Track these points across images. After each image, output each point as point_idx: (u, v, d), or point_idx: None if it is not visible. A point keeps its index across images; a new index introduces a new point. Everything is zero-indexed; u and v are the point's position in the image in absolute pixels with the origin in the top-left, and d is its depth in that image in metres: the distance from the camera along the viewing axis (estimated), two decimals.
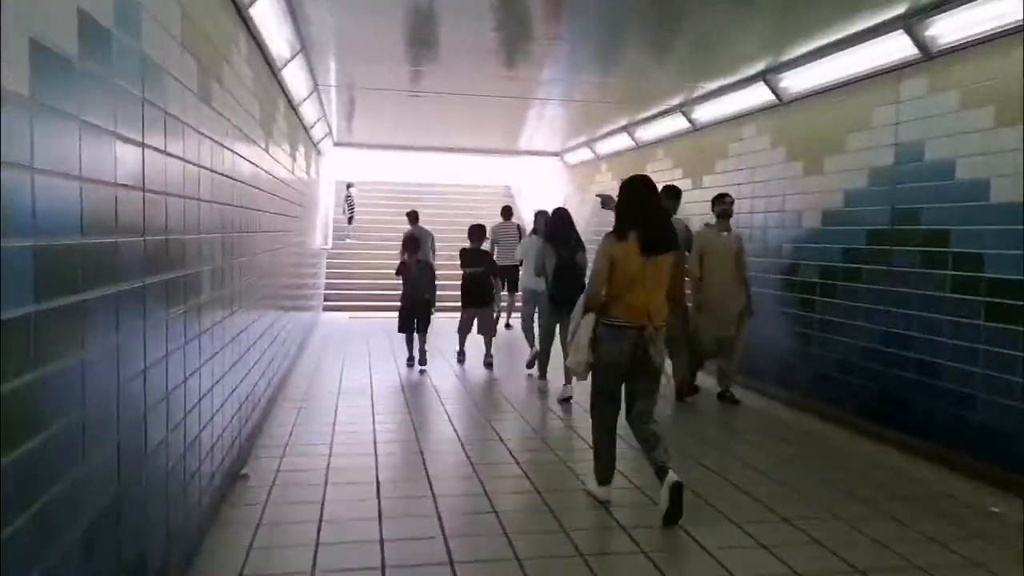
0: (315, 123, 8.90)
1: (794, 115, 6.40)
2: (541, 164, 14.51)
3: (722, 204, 6.28)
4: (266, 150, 5.43)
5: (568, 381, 6.16)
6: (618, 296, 3.60)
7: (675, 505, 3.48)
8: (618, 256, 3.58)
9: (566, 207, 6.90)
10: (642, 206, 3.66)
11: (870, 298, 5.37)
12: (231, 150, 3.90)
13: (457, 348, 7.92)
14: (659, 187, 3.93)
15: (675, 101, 7.89)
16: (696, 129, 8.01)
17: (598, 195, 5.47)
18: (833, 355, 5.78)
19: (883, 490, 4.16)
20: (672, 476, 3.51)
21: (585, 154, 11.56)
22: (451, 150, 12.91)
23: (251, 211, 4.77)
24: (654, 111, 8.46)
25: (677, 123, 8.26)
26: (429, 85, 7.75)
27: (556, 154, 12.90)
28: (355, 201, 15.28)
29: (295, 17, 5.17)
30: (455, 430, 5.36)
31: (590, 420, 3.97)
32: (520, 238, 10.20)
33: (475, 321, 7.66)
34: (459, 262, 7.75)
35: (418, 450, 4.84)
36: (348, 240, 14.96)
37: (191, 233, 3.05)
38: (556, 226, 6.48)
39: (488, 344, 7.66)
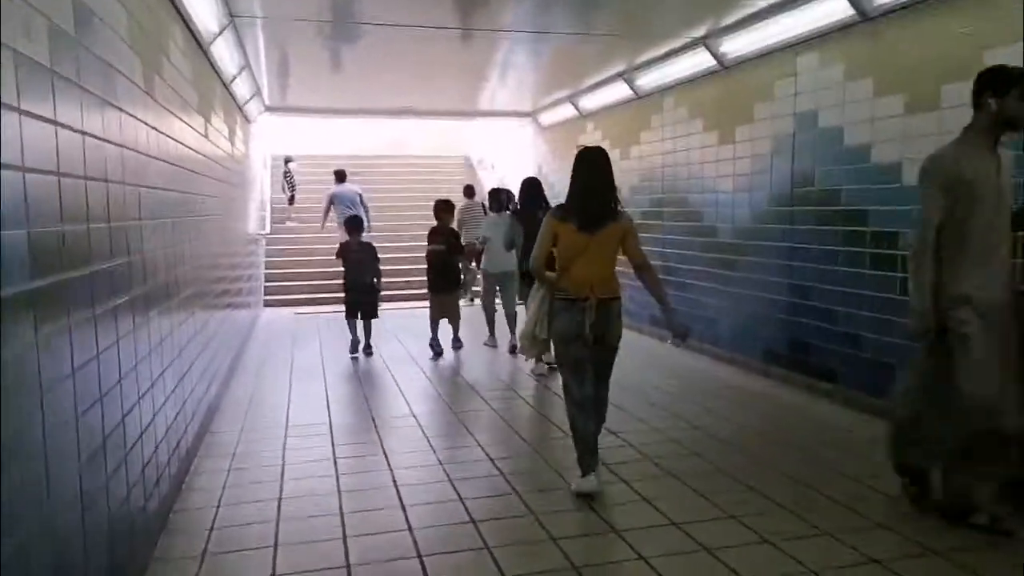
0: (237, 77, 7.03)
1: (897, 30, 4.93)
2: (508, 127, 12.82)
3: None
4: (177, 116, 3.96)
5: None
6: (565, 269, 3.66)
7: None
8: (559, 231, 3.64)
9: (536, 177, 6.62)
10: (580, 182, 3.68)
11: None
12: (128, 114, 2.96)
13: (430, 336, 7.31)
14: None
15: (696, 32, 6.29)
16: (725, 67, 6.43)
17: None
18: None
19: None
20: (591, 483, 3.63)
21: (565, 112, 9.92)
22: (401, 113, 11.07)
23: (164, 191, 3.67)
24: (664, 49, 6.85)
25: (697, 61, 6.66)
26: (369, 16, 5.97)
27: (527, 114, 11.22)
28: (295, 178, 13.29)
29: None
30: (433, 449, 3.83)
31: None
32: (485, 211, 9.86)
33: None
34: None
35: (387, 466, 4.12)
36: (289, 223, 13.03)
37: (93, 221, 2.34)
38: (526, 198, 6.27)
39: (455, 328, 7.40)
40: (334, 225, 10.97)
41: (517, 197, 6.58)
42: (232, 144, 7.41)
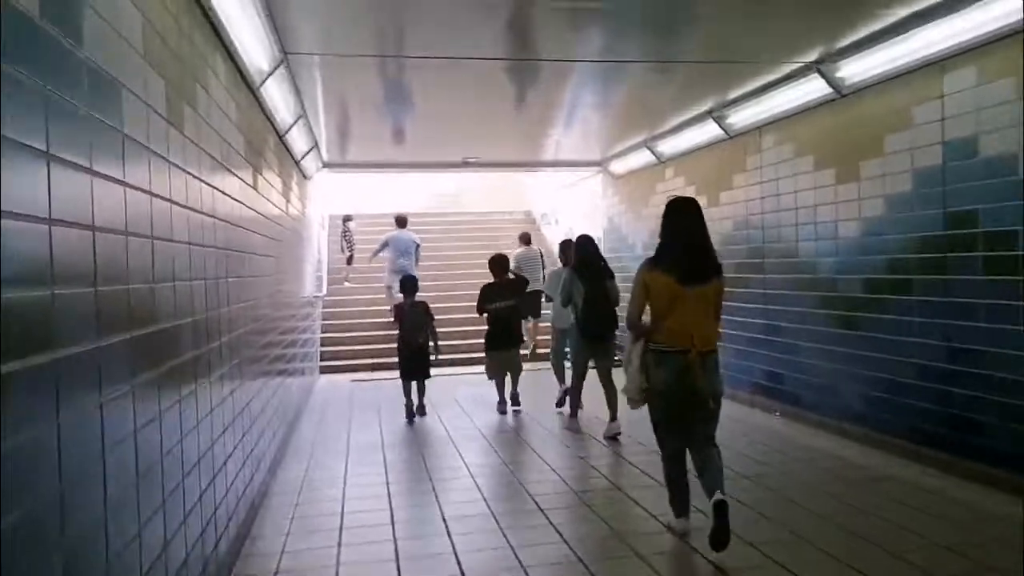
0: (293, 127, 6.50)
1: None
2: (574, 179, 12.12)
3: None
4: (218, 160, 3.34)
5: (613, 418, 5.94)
6: (659, 321, 3.53)
7: (720, 521, 3.31)
8: (653, 283, 3.53)
9: (590, 235, 6.56)
10: (676, 234, 3.56)
11: None
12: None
13: (497, 399, 7.17)
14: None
15: (807, 57, 5.46)
16: (843, 95, 5.56)
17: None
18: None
19: None
20: (718, 495, 3.36)
21: (640, 158, 9.14)
22: (462, 166, 10.48)
23: (189, 245, 2.95)
24: (765, 79, 6.02)
25: (805, 91, 5.81)
26: (426, 46, 5.34)
27: (596, 164, 10.49)
28: (354, 237, 12.81)
29: None
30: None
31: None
32: (543, 264, 10.10)
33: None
34: (478, 302, 7.12)
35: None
36: (347, 284, 12.49)
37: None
38: (582, 255, 6.21)
39: (515, 382, 7.16)
40: (382, 267, 11.14)
41: (572, 254, 6.41)
42: (287, 200, 6.84)
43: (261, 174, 5.12)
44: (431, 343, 7.04)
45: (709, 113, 7.06)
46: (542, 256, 10.54)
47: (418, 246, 11.01)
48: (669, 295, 3.48)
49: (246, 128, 4.46)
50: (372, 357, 10.60)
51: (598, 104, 7.40)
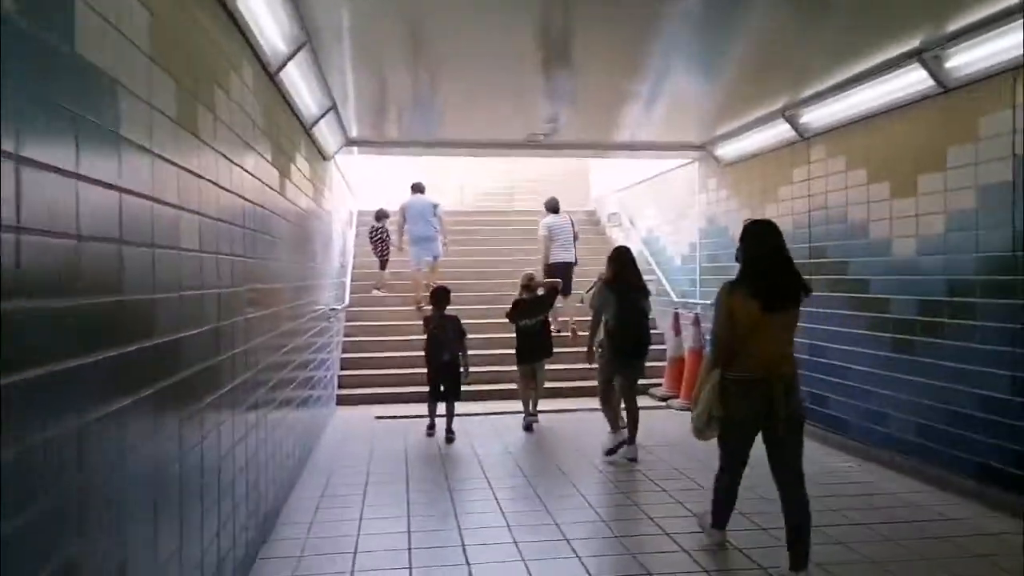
0: (292, 67, 4.38)
1: None
2: (656, 170, 9.84)
3: None
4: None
5: (632, 440, 5.60)
6: (740, 347, 3.39)
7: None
8: (735, 307, 3.39)
9: (627, 246, 6.15)
10: (757, 258, 3.45)
11: None
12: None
13: (523, 413, 6.95)
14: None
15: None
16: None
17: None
18: None
19: None
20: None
21: (766, 137, 6.83)
22: (521, 147, 8.25)
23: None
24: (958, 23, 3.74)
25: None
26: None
27: (693, 148, 8.18)
28: (390, 237, 10.69)
29: None
30: None
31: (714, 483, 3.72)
32: (575, 235, 9.54)
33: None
34: (509, 318, 6.98)
35: None
36: (376, 292, 10.39)
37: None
38: (619, 268, 5.68)
39: (535, 401, 6.99)
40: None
41: (606, 267, 5.79)
42: (288, 180, 4.74)
43: (222, 121, 3.00)
44: (461, 361, 6.51)
45: (911, 56, 4.72)
46: (574, 225, 9.67)
47: (436, 206, 9.94)
48: (751, 319, 3.36)
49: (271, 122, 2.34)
50: (401, 384, 8.46)
51: (706, 64, 5.29)
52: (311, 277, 6.11)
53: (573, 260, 9.38)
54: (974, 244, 4.49)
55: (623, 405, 5.70)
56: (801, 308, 3.47)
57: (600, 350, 5.74)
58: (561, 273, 8.92)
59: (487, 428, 6.97)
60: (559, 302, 7.89)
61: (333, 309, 7.52)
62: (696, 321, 7.99)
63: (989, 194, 4.38)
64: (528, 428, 6.84)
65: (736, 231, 7.57)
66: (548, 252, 9.30)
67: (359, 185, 11.54)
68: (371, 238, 10.61)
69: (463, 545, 3.98)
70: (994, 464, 4.34)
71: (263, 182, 4.01)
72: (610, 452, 5.62)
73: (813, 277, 6.13)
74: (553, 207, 9.64)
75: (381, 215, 10.70)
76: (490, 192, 14.96)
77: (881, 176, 5.35)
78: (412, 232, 9.91)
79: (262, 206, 3.99)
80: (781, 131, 6.53)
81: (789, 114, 6.21)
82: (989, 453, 4.37)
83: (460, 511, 4.53)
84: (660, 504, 4.62)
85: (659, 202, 10.02)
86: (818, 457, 5.59)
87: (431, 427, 6.70)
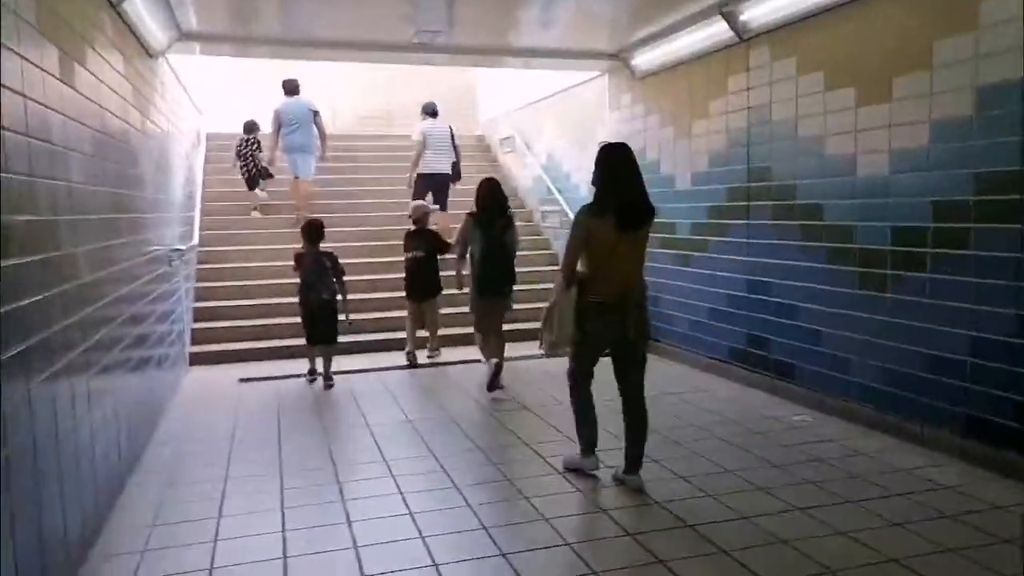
0: None
1: None
2: (554, 87, 8.74)
3: None
4: None
5: (487, 360, 5.62)
6: (596, 271, 3.54)
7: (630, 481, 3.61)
8: (593, 228, 3.50)
9: (495, 177, 5.94)
10: (614, 179, 3.55)
11: None
12: None
13: (406, 349, 6.58)
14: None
15: None
16: None
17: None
18: None
19: None
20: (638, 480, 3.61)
21: (695, 40, 5.88)
22: (409, 49, 6.82)
23: None
24: None
25: None
26: None
27: (611, 56, 7.09)
28: (261, 150, 9.30)
29: None
30: None
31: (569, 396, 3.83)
32: (454, 144, 8.72)
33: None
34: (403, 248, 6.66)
35: None
36: (255, 214, 9.21)
37: None
38: (486, 201, 5.51)
39: (433, 336, 6.78)
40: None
41: (475, 200, 5.60)
42: (83, 74, 3.28)
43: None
44: (340, 305, 6.02)
45: None
46: (453, 136, 8.76)
47: (316, 113, 8.80)
48: (607, 242, 3.47)
49: None
50: (269, 337, 7.14)
51: None
52: (138, 209, 4.64)
53: (449, 171, 8.61)
54: (968, 158, 3.77)
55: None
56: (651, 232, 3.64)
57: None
58: (435, 185, 8.38)
59: (376, 387, 5.88)
60: (433, 220, 7.22)
61: (176, 250, 6.02)
62: None
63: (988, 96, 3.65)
64: (412, 363, 6.54)
65: (658, 153, 6.79)
66: (419, 160, 8.48)
67: (208, 102, 9.71)
68: (238, 154, 9.27)
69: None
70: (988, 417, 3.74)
71: (27, 59, 2.60)
72: (491, 387, 5.48)
73: (753, 203, 5.36)
74: (431, 111, 8.74)
75: (251, 127, 9.41)
76: (366, 116, 13.39)
77: (843, 81, 4.55)
78: (287, 141, 8.73)
79: (29, 96, 2.58)
80: (714, 32, 5.59)
81: (728, 10, 5.27)
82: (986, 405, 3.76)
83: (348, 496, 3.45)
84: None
85: (561, 123, 8.97)
86: (765, 408, 4.95)
87: (311, 372, 6.18)
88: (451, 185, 8.69)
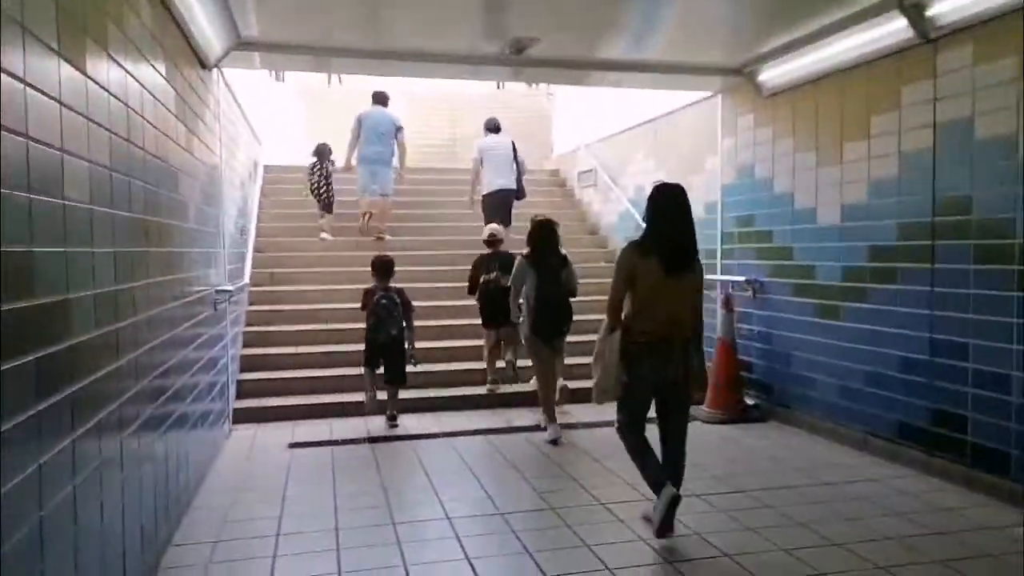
0: None
1: None
2: (667, 109, 7.70)
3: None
4: None
5: (552, 420, 5.31)
6: (641, 310, 3.46)
7: (669, 512, 3.37)
8: (639, 270, 3.43)
9: (548, 216, 5.66)
10: (665, 220, 3.48)
11: None
12: None
13: (488, 379, 6.35)
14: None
15: None
16: None
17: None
18: None
19: None
20: (671, 489, 3.39)
21: (850, 47, 4.81)
22: (497, 63, 5.83)
23: None
24: None
25: None
26: None
27: (724, 72, 6.03)
28: (330, 174, 8.64)
29: None
30: None
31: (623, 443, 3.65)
32: (516, 160, 8.13)
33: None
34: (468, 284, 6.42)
35: None
36: (324, 236, 8.47)
37: None
38: (538, 241, 5.40)
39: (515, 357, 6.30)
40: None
41: (526, 240, 5.46)
42: (104, 59, 2.38)
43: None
44: (407, 340, 5.79)
45: None
46: (516, 151, 8.13)
47: (400, 129, 8.41)
48: (652, 281, 3.41)
49: None
50: (326, 392, 6.19)
51: None
52: (179, 243, 3.74)
53: (513, 187, 8.06)
54: None
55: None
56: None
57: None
58: (498, 204, 7.87)
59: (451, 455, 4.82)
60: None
61: (224, 291, 5.12)
62: (727, 303, 6.01)
63: None
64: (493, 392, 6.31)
65: (791, 184, 5.69)
66: (476, 178, 8.07)
67: (266, 131, 9.00)
68: (310, 178, 8.66)
69: None
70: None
71: (33, 34, 1.68)
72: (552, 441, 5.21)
73: (940, 242, 4.21)
74: (492, 127, 8.29)
75: (323, 150, 8.75)
76: (427, 146, 12.59)
77: None
78: (364, 152, 8.28)
79: (38, 88, 1.67)
80: (881, 34, 4.51)
81: (911, 2, 4.18)
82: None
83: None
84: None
85: (655, 154, 7.93)
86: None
87: (372, 401, 5.83)
88: (514, 201, 8.18)
